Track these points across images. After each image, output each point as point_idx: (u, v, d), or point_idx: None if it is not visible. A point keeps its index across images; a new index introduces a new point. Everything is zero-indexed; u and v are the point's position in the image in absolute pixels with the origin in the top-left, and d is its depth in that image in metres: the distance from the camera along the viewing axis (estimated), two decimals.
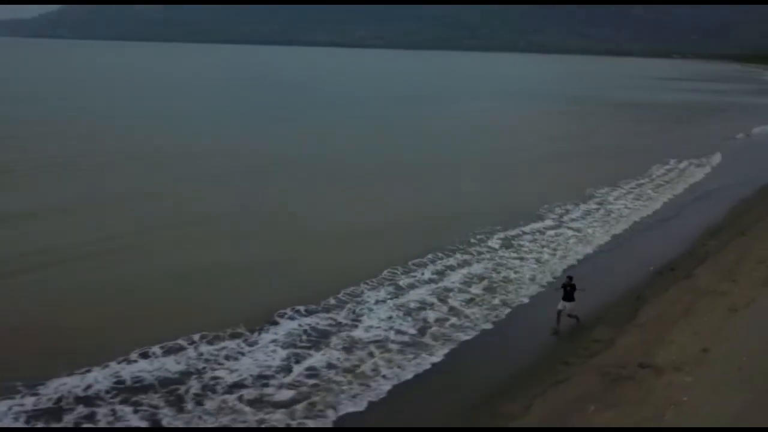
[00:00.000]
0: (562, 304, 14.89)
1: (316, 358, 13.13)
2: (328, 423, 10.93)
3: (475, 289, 16.86)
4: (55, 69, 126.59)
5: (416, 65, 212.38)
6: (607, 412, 10.97)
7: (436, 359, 13.32)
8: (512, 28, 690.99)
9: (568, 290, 14.89)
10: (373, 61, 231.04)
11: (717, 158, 39.52)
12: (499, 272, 18.19)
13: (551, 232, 22.46)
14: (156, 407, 11.39)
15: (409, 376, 12.66)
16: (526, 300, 16.60)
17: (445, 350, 13.69)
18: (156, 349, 13.39)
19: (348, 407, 11.41)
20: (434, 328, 14.50)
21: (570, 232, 22.44)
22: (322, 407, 11.36)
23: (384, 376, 12.47)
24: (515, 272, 18.06)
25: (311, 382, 12.23)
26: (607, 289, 17.47)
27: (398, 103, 74.10)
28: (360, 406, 11.46)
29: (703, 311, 15.14)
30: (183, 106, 62.97)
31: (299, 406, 11.36)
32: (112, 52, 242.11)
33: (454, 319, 14.98)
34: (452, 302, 16.01)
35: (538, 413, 11.32)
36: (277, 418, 11.04)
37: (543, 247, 20.72)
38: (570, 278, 15.27)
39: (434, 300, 16.19)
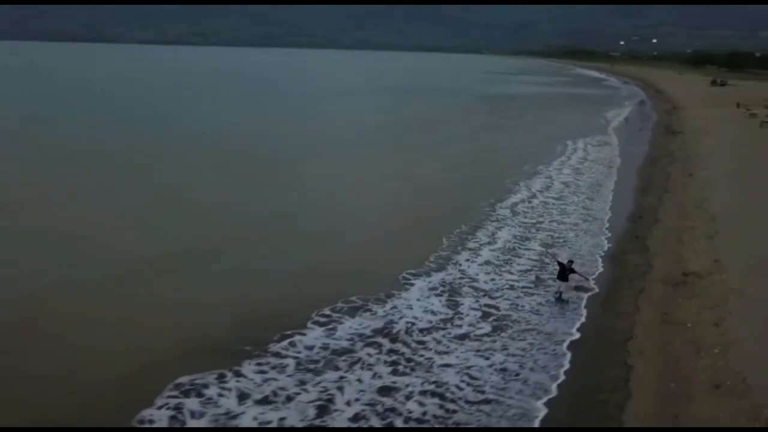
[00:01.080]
0: (558, 284, 17.44)
1: (471, 303, 16.78)
2: (563, 341, 14.76)
3: (535, 246, 21.62)
4: None
5: (258, 62, 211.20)
6: (691, 301, 16.31)
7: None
8: (335, 25, 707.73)
9: (566, 273, 17.24)
10: (200, 59, 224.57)
11: (612, 138, 48.99)
12: (537, 232, 23.15)
13: (536, 201, 28.00)
14: (392, 348, 14.32)
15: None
16: (584, 249, 21.61)
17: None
18: (327, 311, 15.98)
19: (565, 328, 15.36)
20: (544, 276, 18.86)
21: (553, 201, 28.16)
22: (540, 332, 15.15)
23: (551, 311, 16.51)
24: (553, 231, 23.04)
25: (493, 318, 15.92)
26: (611, 234, 23.31)
27: (290, 99, 75.93)
28: (572, 326, 15.53)
29: (689, 239, 21.42)
30: None
31: (515, 333, 15.08)
32: None
33: (550, 267, 19.43)
34: (529, 256, 20.54)
35: (646, 309, 16.30)
36: (519, 345, 14.46)
37: (546, 212, 26.13)
38: (571, 262, 17.76)
39: (510, 257, 20.52)
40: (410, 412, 11.86)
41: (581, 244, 21.84)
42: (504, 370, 13.33)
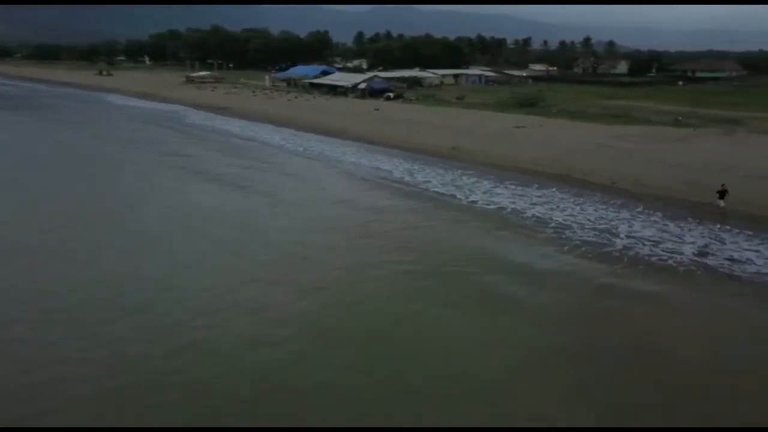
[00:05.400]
0: (718, 202, 27.06)
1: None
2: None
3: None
4: None
5: None
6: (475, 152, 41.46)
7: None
8: None
9: (723, 192, 27.02)
10: None
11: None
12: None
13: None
14: None
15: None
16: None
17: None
18: None
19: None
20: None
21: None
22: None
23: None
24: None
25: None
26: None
27: None
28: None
29: (434, 136, 45.86)
30: None
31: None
32: None
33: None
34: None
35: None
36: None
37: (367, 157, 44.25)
38: (723, 185, 27.36)
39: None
40: None
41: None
42: None
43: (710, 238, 24.40)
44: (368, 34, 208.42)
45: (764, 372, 14.97)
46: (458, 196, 31.46)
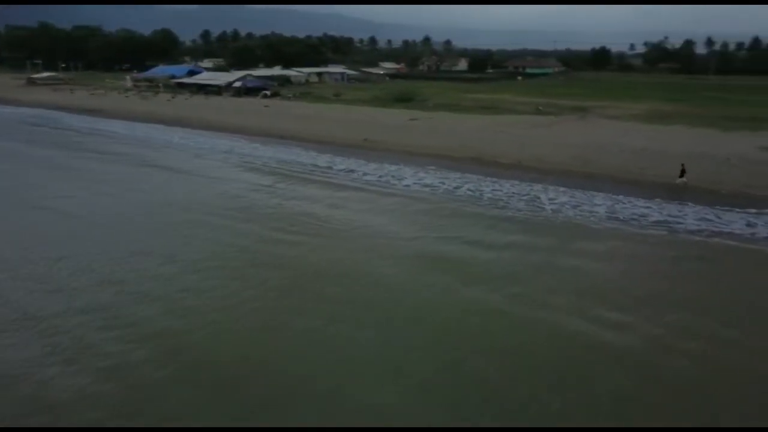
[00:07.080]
0: (680, 180, 31.72)
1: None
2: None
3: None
4: None
5: None
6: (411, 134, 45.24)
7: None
8: None
9: (682, 171, 31.77)
10: None
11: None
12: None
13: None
14: None
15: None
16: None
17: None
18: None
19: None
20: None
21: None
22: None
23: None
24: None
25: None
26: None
27: None
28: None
29: (348, 130, 48.49)
30: None
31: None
32: None
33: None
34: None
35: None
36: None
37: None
38: (683, 165, 32.13)
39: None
40: None
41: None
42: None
43: (612, 201, 30.41)
44: (198, 32, 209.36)
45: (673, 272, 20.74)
46: (392, 182, 34.78)
